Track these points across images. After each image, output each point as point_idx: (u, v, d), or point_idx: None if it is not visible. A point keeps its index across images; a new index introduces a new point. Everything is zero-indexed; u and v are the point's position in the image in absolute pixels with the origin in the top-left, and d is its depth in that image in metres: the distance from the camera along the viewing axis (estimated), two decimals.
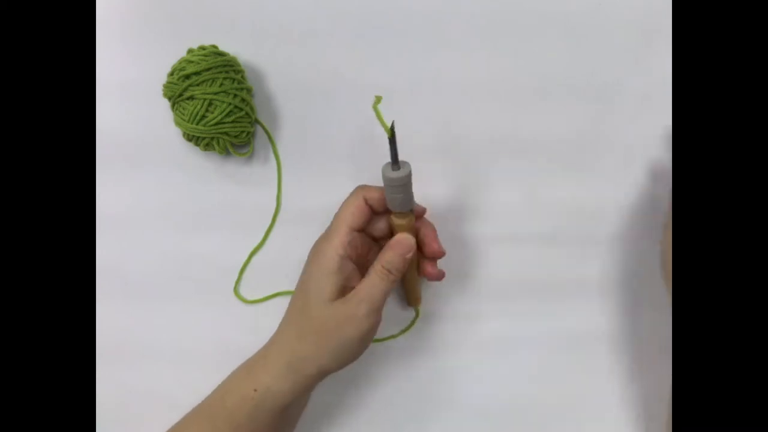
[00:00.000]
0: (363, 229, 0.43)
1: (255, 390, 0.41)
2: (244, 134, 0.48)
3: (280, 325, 0.44)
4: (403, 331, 0.51)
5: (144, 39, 0.51)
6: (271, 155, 0.51)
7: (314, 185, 0.51)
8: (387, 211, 0.43)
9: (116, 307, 0.51)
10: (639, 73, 0.50)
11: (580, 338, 0.52)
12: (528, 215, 0.51)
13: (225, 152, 0.48)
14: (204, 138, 0.47)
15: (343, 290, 0.41)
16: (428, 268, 0.45)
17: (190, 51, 0.47)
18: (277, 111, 0.51)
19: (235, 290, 0.51)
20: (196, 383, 0.50)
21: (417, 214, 0.44)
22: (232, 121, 0.46)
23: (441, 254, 0.45)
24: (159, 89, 0.48)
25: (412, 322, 0.51)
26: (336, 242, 0.41)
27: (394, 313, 0.52)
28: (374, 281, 0.40)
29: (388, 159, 0.39)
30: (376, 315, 0.40)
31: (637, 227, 0.51)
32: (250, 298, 0.51)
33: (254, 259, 0.51)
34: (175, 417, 0.46)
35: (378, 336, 0.48)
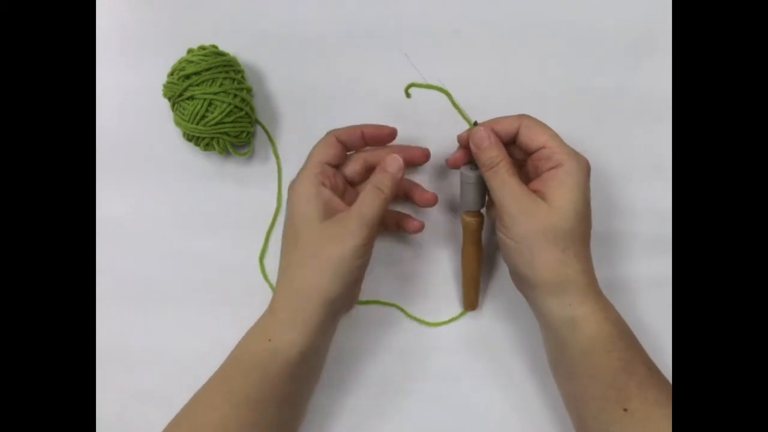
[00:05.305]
0: (336, 165, 0.44)
1: (269, 340, 0.40)
2: (244, 134, 0.48)
3: (279, 271, 0.43)
4: (445, 322, 0.50)
5: (144, 39, 0.51)
6: (271, 155, 0.51)
7: None
8: (359, 147, 0.46)
9: (116, 311, 0.50)
10: (640, 77, 0.50)
11: None
12: None
13: (225, 152, 0.48)
14: (204, 138, 0.47)
15: (330, 213, 0.42)
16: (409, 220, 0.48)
17: (190, 51, 0.47)
18: (277, 111, 0.51)
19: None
20: (198, 387, 0.50)
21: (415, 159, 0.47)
22: (232, 121, 0.46)
23: (432, 201, 0.47)
24: (159, 89, 0.47)
25: (459, 315, 0.50)
26: (308, 173, 0.42)
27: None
28: (364, 199, 0.41)
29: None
30: (366, 230, 0.40)
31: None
32: None
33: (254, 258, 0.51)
34: None
35: (422, 317, 0.50)
